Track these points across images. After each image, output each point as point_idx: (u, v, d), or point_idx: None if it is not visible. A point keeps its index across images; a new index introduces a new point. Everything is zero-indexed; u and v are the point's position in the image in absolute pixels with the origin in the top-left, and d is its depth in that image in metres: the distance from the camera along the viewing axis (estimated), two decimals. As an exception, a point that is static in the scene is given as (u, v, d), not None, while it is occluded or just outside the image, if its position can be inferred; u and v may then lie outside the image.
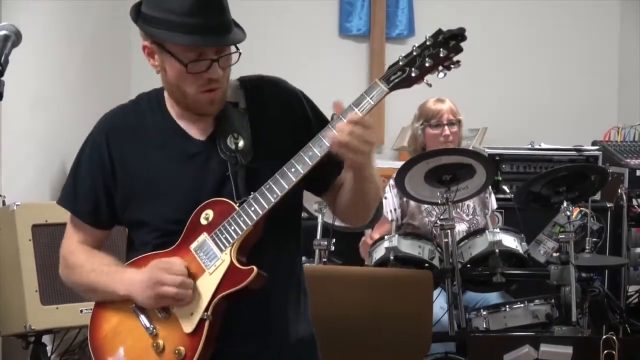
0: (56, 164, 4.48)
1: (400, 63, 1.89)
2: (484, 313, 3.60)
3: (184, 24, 1.89)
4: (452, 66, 1.88)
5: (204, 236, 1.98)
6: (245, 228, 1.94)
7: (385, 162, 5.65)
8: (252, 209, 1.93)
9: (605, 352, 2.98)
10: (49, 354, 3.79)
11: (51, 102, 4.42)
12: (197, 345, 1.94)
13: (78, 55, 4.82)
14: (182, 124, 2.06)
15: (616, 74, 6.18)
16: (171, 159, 2.05)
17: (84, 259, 2.10)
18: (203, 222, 1.99)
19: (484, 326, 3.57)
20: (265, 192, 1.93)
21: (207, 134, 2.06)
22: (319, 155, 1.89)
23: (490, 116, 5.73)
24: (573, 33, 6.11)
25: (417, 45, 1.89)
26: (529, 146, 5.10)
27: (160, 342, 1.98)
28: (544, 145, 5.13)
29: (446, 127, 3.94)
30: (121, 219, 2.11)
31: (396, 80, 1.88)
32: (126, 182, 2.06)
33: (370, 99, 1.88)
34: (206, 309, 1.95)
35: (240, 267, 1.94)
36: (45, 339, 3.75)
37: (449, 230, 3.52)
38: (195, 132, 2.06)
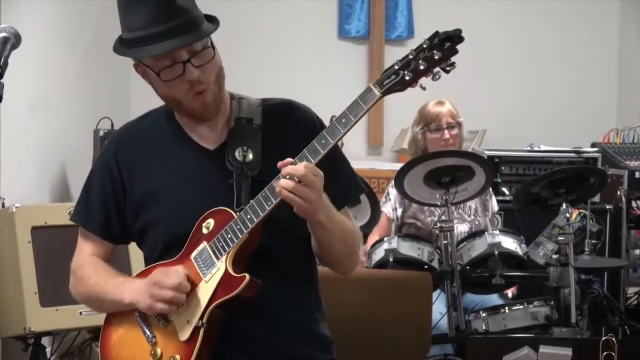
0: (56, 165, 4.48)
1: (395, 67, 1.88)
2: (484, 315, 3.60)
3: (148, 35, 1.92)
4: (447, 68, 1.86)
5: (203, 244, 1.99)
6: (240, 236, 1.94)
7: (385, 164, 5.65)
8: (249, 217, 1.93)
9: (605, 353, 2.98)
10: (48, 356, 3.79)
11: (51, 104, 4.42)
12: (192, 353, 1.94)
13: (77, 57, 4.82)
14: (193, 134, 2.08)
15: (615, 76, 6.17)
16: (180, 169, 2.07)
17: (92, 272, 2.12)
18: (204, 231, 2.00)
19: (484, 328, 3.57)
20: (262, 200, 1.92)
21: (218, 144, 2.07)
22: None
23: (489, 118, 5.73)
24: (572, 35, 6.11)
25: (413, 48, 1.88)
26: (529, 148, 5.11)
27: (158, 350, 2.00)
28: (543, 147, 5.13)
29: (446, 131, 3.94)
30: (132, 232, 2.14)
31: (389, 84, 1.87)
32: (135, 194, 2.09)
33: (364, 104, 1.87)
34: (201, 317, 1.94)
35: (234, 274, 1.93)
36: (45, 340, 3.75)
37: (448, 232, 3.53)
38: (206, 142, 2.08)
